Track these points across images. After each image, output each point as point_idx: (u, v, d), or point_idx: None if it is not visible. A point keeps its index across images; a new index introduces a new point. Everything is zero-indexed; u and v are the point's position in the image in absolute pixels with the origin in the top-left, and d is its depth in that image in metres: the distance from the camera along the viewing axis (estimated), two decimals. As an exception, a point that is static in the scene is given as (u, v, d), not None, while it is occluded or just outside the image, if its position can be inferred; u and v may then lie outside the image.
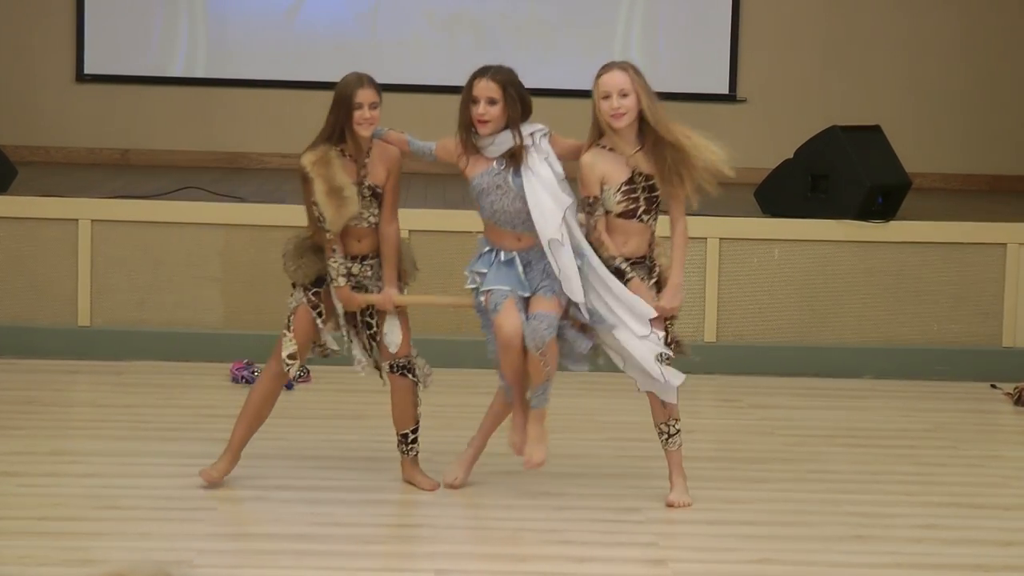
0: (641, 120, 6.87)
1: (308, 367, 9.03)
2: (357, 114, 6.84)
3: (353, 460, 7.43)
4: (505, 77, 6.87)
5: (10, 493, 6.81)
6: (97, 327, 9.75)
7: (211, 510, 6.66)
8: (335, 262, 6.89)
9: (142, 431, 8.08)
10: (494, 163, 6.86)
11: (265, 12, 13.14)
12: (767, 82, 13.37)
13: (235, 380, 9.08)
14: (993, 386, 9.58)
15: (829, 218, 10.07)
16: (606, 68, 6.93)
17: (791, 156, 10.50)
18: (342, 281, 6.88)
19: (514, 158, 6.80)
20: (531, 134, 6.82)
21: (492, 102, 6.77)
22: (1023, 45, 13.38)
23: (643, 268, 6.97)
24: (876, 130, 10.58)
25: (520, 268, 6.81)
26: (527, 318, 6.72)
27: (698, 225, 9.96)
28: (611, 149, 6.84)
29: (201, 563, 5.92)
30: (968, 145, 13.36)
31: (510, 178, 6.79)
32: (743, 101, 13.40)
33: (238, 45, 13.16)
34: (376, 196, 6.96)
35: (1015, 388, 9.35)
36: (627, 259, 6.87)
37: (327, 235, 6.87)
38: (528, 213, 6.76)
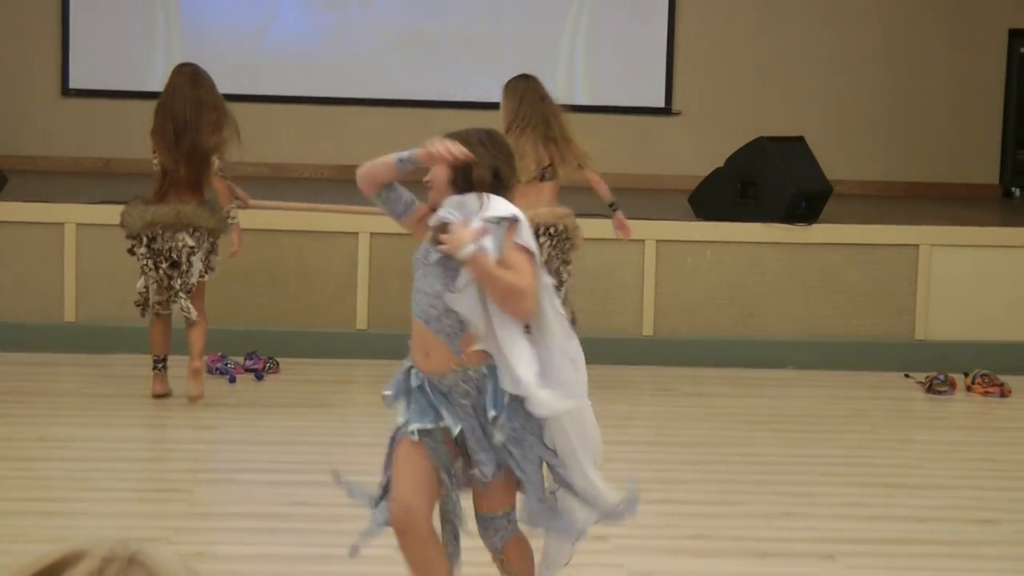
0: None
1: (277, 360, 9.06)
2: None
3: (317, 445, 7.42)
4: (465, 137, 4.73)
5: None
6: (81, 323, 9.71)
7: (186, 492, 6.65)
8: None
9: (122, 419, 8.05)
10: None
11: (236, 31, 13.10)
12: (700, 96, 13.39)
13: (210, 372, 9.04)
14: (907, 375, 9.62)
15: (757, 221, 10.09)
16: None
17: (722, 165, 10.52)
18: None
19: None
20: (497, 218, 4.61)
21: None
22: (936, 62, 13.44)
23: None
24: (800, 140, 10.62)
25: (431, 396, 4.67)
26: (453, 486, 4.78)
27: (637, 228, 9.98)
28: None
29: (177, 540, 5.90)
30: (885, 154, 13.41)
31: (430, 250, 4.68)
32: (678, 114, 13.41)
33: (211, 61, 12.94)
34: None
35: (926, 377, 9.39)
36: None
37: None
38: (446, 310, 4.62)
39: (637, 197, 11.97)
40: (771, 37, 13.40)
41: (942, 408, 9.05)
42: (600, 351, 9.68)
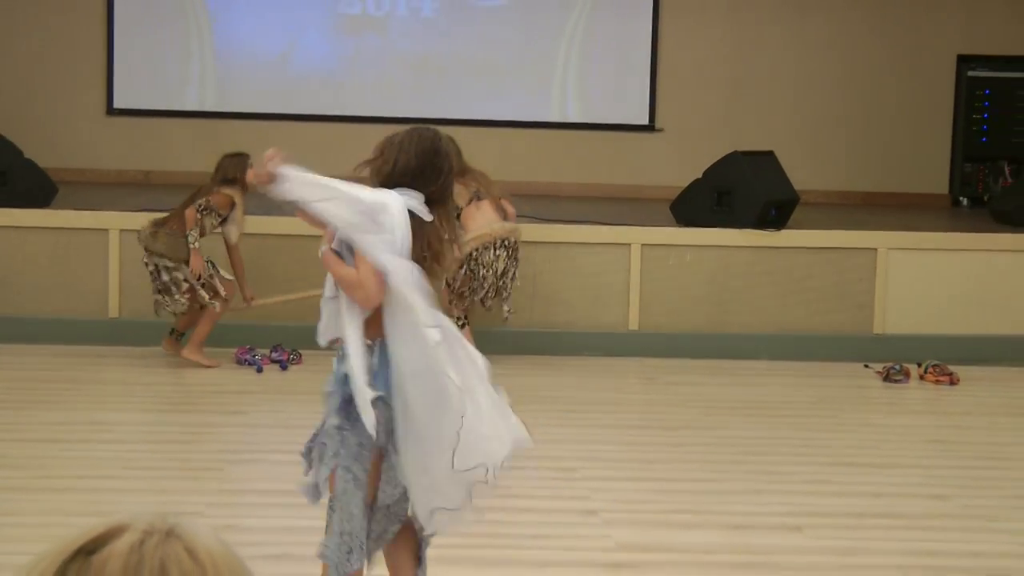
0: None
1: (300, 351, 9.04)
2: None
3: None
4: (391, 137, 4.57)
5: (52, 456, 6.77)
6: (123, 318, 9.69)
7: (218, 470, 6.63)
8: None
9: (160, 405, 8.04)
10: None
11: (263, 56, 13.09)
12: (680, 114, 13.37)
13: (239, 362, 9.04)
14: (866, 366, 9.61)
15: (732, 227, 10.08)
16: None
17: (700, 176, 10.51)
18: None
19: None
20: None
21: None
22: (892, 84, 13.42)
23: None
24: (770, 154, 10.61)
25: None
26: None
27: (623, 233, 10.00)
28: None
29: (210, 514, 5.89)
30: (846, 167, 13.40)
31: None
32: (660, 130, 13.40)
33: (241, 83, 13.11)
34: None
35: (883, 367, 9.38)
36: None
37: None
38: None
39: (624, 205, 11.98)
40: (744, 62, 13.40)
41: (898, 395, 9.04)
42: (591, 344, 9.70)
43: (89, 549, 1.43)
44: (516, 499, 6.30)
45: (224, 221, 8.92)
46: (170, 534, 1.44)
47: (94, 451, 6.93)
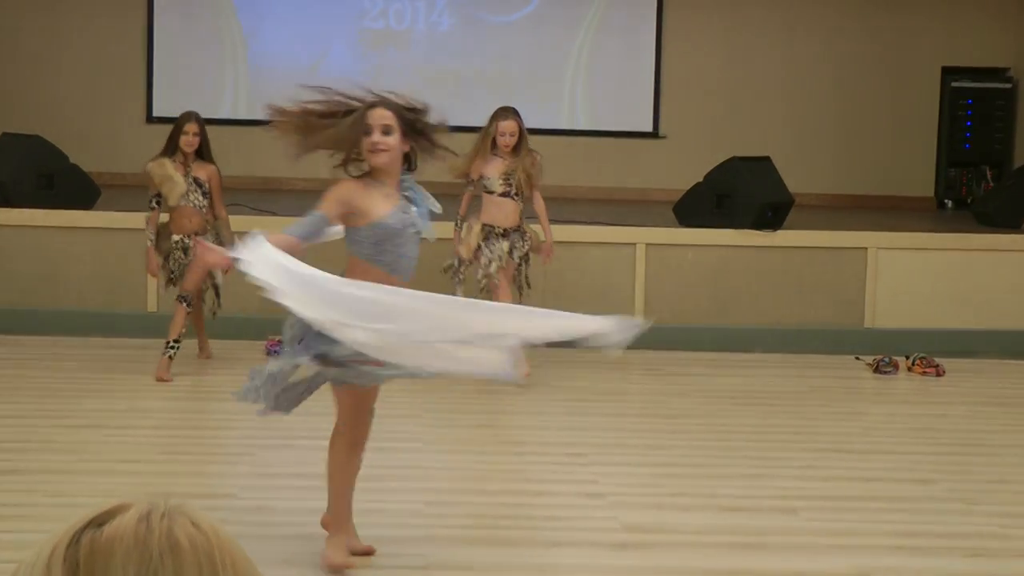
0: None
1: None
2: (183, 138, 8.48)
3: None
4: (397, 104, 4.96)
5: (95, 441, 6.77)
6: (161, 312, 9.68)
7: (250, 455, 6.63)
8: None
9: (196, 393, 8.04)
10: (401, 201, 4.92)
11: (293, 67, 13.08)
12: (682, 122, 13.35)
13: (269, 353, 9.03)
14: (857, 358, 9.58)
15: (730, 228, 10.06)
16: (503, 115, 8.44)
17: (701, 180, 10.50)
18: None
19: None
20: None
21: (387, 131, 4.93)
22: (881, 93, 13.40)
23: (518, 233, 8.54)
24: (767, 160, 10.58)
25: None
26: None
27: (629, 234, 9.99)
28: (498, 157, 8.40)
29: (243, 496, 5.89)
30: (838, 171, 13.38)
31: (417, 218, 4.90)
32: (664, 137, 13.38)
33: (272, 93, 13.05)
34: (199, 186, 8.47)
35: (874, 359, 9.35)
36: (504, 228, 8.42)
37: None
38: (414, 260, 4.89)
39: (629, 208, 11.96)
40: (742, 73, 13.38)
41: (887, 386, 9.01)
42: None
43: (100, 521, 1.44)
44: (528, 483, 6.30)
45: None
46: (173, 509, 1.47)
47: (134, 436, 6.93)
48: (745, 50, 13.39)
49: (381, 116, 4.87)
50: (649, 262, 9.97)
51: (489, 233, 8.59)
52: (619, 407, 7.98)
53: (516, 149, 8.46)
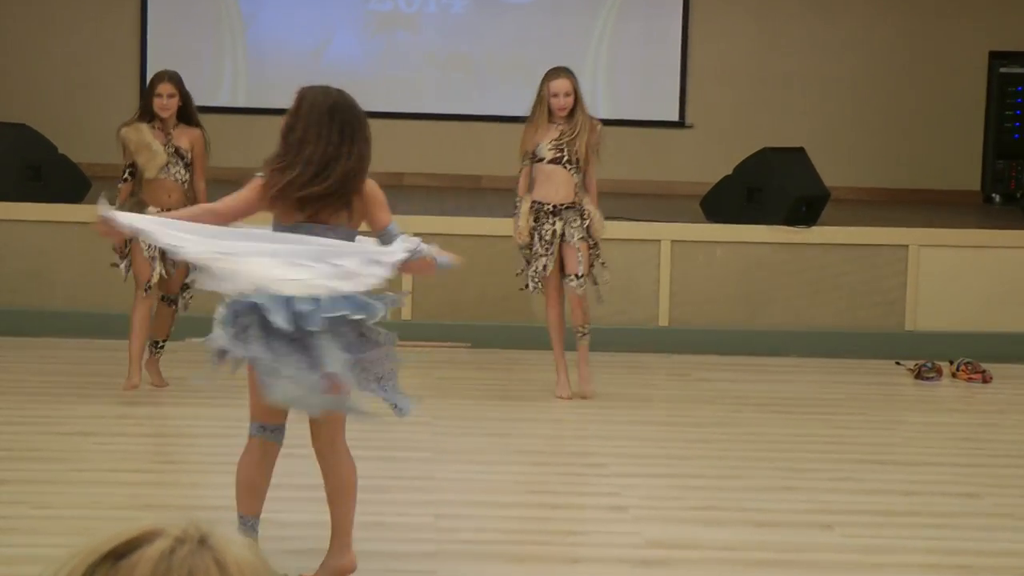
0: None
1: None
2: (156, 101, 7.87)
3: (366, 425, 7.39)
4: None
5: (86, 449, 6.79)
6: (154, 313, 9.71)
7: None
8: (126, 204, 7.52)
9: (191, 399, 8.05)
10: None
11: (296, 53, 13.12)
12: (710, 111, 13.35)
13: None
14: (897, 363, 9.56)
15: (762, 224, 10.05)
16: (555, 74, 8.19)
17: (730, 172, 10.49)
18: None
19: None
20: None
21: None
22: (924, 81, 13.38)
23: (574, 211, 8.04)
24: (800, 151, 10.57)
25: None
26: None
27: (653, 230, 9.99)
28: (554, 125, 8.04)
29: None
30: (878, 163, 13.37)
31: None
32: (690, 127, 13.37)
33: (273, 79, 13.13)
34: (181, 156, 7.89)
35: (915, 365, 9.33)
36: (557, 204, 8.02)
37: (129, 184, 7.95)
38: None
39: (654, 201, 11.96)
40: (774, 59, 13.36)
41: (929, 393, 8.99)
42: (621, 339, 9.67)
43: (119, 553, 1.42)
44: (547, 495, 6.29)
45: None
46: (202, 543, 1.44)
47: (126, 444, 6.94)
48: (777, 34, 13.37)
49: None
50: (675, 260, 9.96)
51: (539, 211, 8.04)
52: (642, 414, 7.97)
53: (572, 113, 8.00)
